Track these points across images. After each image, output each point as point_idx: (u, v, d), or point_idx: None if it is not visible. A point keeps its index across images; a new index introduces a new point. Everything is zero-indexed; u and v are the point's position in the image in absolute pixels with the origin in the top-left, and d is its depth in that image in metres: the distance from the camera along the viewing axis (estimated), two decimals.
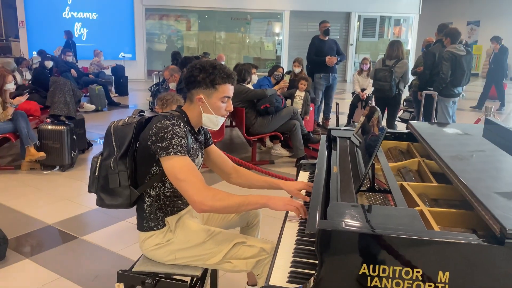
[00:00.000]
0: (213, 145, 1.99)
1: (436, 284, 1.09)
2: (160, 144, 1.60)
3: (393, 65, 5.30)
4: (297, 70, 6.05)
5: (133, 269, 1.75)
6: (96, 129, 6.35)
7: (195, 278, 1.77)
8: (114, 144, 1.73)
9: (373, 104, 5.96)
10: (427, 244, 1.08)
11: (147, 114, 1.86)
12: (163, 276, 1.73)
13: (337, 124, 6.43)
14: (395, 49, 5.35)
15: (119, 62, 11.17)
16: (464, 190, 1.31)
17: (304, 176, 2.21)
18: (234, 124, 6.42)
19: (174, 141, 1.61)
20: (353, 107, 6.78)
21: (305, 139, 4.95)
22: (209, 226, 1.86)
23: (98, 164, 1.77)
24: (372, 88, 6.08)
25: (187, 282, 1.72)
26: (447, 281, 1.08)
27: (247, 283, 2.13)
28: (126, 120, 1.77)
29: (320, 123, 6.82)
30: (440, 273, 1.08)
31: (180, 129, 1.65)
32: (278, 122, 4.84)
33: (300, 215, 1.63)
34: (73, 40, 10.55)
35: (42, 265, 2.66)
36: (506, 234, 1.04)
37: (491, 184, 1.39)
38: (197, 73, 1.69)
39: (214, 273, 2.17)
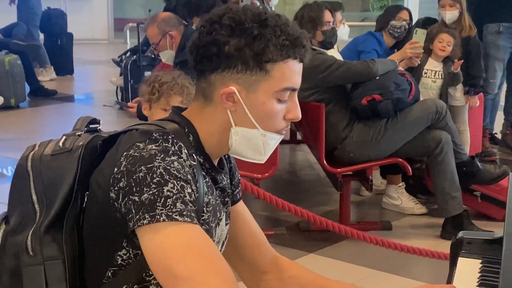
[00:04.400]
0: (240, 202, 2.03)
1: None
2: (137, 197, 1.59)
3: None
4: (449, 14, 5.94)
5: None
6: (6, 148, 6.53)
7: None
8: (34, 198, 1.74)
9: None
10: None
11: (107, 128, 1.88)
12: None
13: None
14: None
15: (54, 4, 11.52)
16: None
17: (470, 266, 2.16)
18: (299, 137, 6.54)
19: (168, 190, 1.59)
20: None
21: (466, 174, 4.91)
22: None
23: None
24: None
25: None
26: None
27: None
28: (61, 144, 1.78)
29: (499, 135, 6.73)
30: None
31: (180, 162, 1.64)
32: (403, 136, 4.83)
33: None
34: None
35: None
36: None
37: None
38: (224, 37, 1.69)
39: None
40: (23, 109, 8.52)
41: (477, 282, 2.04)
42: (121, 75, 8.15)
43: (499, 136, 6.83)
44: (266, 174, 4.80)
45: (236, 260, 2.03)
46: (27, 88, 8.87)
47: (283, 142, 6.40)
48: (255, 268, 2.04)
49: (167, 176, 1.58)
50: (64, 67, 10.41)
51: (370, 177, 5.31)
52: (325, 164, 4.90)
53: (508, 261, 1.82)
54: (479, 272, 2.10)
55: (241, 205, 2.03)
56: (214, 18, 1.71)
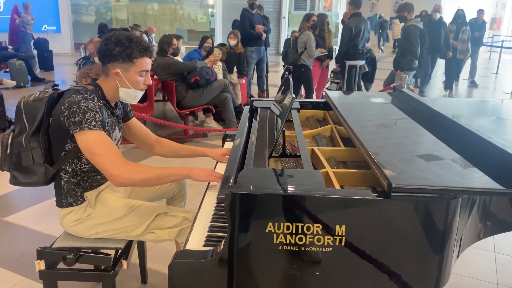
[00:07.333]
0: (134, 118, 1.96)
1: (334, 237, 1.19)
2: (73, 119, 1.55)
3: (298, 36, 5.60)
4: (232, 42, 5.89)
5: (54, 246, 1.72)
6: None
7: (119, 251, 1.77)
8: (25, 121, 1.66)
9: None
10: (324, 201, 1.17)
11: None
12: (85, 250, 1.71)
13: (267, 96, 6.53)
14: (303, 22, 5.69)
15: (42, 35, 10.40)
16: (363, 152, 1.43)
17: (229, 146, 2.25)
18: (166, 98, 6.30)
19: (87, 116, 1.56)
20: None
21: (238, 111, 4.99)
22: (132, 199, 1.86)
23: (9, 141, 1.69)
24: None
25: (110, 255, 1.72)
26: (343, 233, 1.19)
27: None
28: (37, 95, 1.69)
29: (254, 96, 6.89)
30: (337, 226, 1.18)
31: (94, 103, 1.61)
32: (210, 95, 4.85)
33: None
34: None
35: None
36: (392, 189, 1.16)
37: (386, 146, 1.51)
38: (112, 47, 1.63)
39: (142, 244, 2.18)
40: (27, 88, 7.71)
41: None
42: (78, 70, 7.58)
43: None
44: (149, 114, 4.69)
45: (137, 141, 1.99)
46: (29, 77, 8.00)
47: (158, 99, 6.31)
48: (147, 144, 2.01)
49: (87, 110, 1.58)
50: (49, 66, 9.47)
51: (197, 114, 5.40)
52: (177, 109, 4.86)
53: (236, 141, 1.88)
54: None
55: (134, 119, 1.96)
56: (107, 38, 1.67)
